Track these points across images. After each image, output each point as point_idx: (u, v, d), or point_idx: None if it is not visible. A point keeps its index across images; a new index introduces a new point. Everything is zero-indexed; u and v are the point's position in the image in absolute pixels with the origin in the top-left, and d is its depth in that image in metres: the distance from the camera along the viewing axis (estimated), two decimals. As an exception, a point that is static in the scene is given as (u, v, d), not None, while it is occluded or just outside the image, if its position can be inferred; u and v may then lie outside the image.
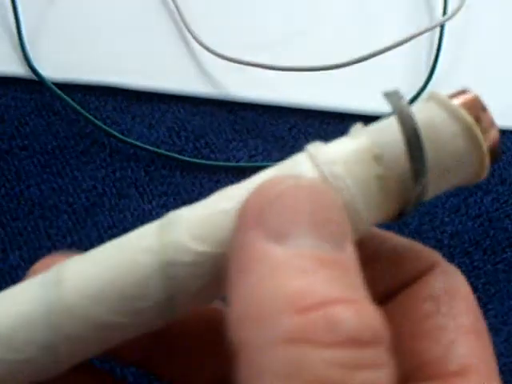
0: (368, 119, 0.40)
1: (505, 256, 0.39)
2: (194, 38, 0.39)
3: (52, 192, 0.36)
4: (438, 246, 0.38)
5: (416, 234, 0.38)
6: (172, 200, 0.37)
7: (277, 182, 0.17)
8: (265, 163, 0.38)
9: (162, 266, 0.17)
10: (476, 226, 0.39)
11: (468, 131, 0.18)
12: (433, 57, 0.42)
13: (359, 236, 0.18)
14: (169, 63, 0.40)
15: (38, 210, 0.36)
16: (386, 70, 0.41)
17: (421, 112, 0.18)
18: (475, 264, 0.39)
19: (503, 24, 0.44)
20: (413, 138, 0.17)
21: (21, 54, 0.38)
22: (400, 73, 0.42)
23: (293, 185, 0.17)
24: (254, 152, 0.39)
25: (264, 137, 0.39)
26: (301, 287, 0.15)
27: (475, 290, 0.38)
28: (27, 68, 0.38)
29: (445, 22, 0.42)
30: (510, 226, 0.40)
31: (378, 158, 0.18)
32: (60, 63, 0.38)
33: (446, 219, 0.39)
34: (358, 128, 0.19)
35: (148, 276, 0.17)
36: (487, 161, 0.18)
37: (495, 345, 0.37)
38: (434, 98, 0.18)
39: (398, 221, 0.19)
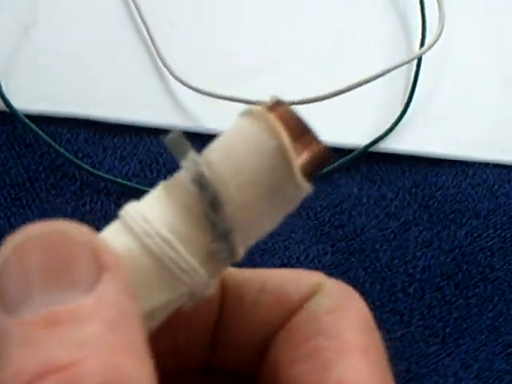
0: (343, 152, 0.40)
1: (477, 290, 0.39)
2: (168, 70, 0.40)
3: (21, 225, 0.36)
4: (409, 280, 0.38)
5: (387, 268, 0.38)
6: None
7: (3, 247, 0.16)
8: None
9: None
10: (448, 260, 0.39)
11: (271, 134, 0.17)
12: (409, 88, 0.42)
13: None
14: (142, 95, 0.40)
15: (6, 244, 0.36)
16: (362, 103, 0.41)
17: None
18: (447, 299, 0.38)
19: (480, 56, 0.44)
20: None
21: (-6, 86, 0.38)
22: (376, 105, 0.42)
23: (16, 244, 0.16)
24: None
25: (236, 169, 0.39)
26: (14, 367, 0.14)
27: (446, 324, 0.38)
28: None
29: (422, 54, 0.42)
30: (483, 260, 0.39)
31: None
32: (33, 95, 0.38)
33: (418, 253, 0.39)
34: None
35: None
36: (296, 167, 0.17)
37: (466, 381, 0.37)
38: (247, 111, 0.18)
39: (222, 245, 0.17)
